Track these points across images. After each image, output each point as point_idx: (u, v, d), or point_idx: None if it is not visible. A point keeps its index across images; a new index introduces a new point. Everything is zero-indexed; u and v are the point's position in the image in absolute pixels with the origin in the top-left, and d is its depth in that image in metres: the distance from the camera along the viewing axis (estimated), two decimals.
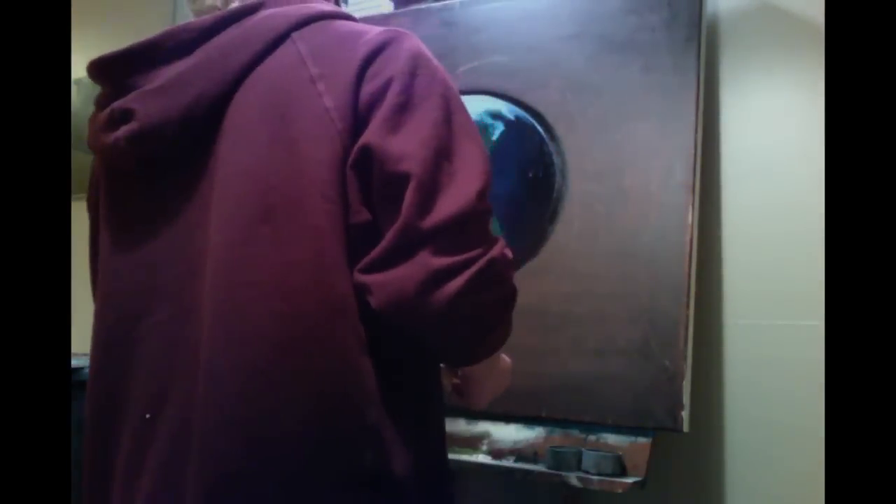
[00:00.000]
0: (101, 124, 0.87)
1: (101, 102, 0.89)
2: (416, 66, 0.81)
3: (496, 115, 1.49)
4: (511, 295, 0.81)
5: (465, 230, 0.75)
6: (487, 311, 0.79)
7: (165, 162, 0.85)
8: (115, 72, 0.87)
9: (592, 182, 1.40)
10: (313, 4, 0.89)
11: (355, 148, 0.78)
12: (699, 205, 1.35)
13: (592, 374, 1.32)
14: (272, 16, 0.85)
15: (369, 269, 0.76)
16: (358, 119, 0.79)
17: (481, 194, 0.77)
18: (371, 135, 0.77)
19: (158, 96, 0.82)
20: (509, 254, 0.80)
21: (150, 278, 0.85)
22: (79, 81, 2.55)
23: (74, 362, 1.60)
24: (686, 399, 1.25)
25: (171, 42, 0.85)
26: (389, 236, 0.75)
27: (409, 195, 0.74)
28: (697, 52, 1.36)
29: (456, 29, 1.59)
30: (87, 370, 1.57)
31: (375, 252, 0.76)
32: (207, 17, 0.86)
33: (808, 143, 1.38)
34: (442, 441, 0.89)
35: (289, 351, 0.76)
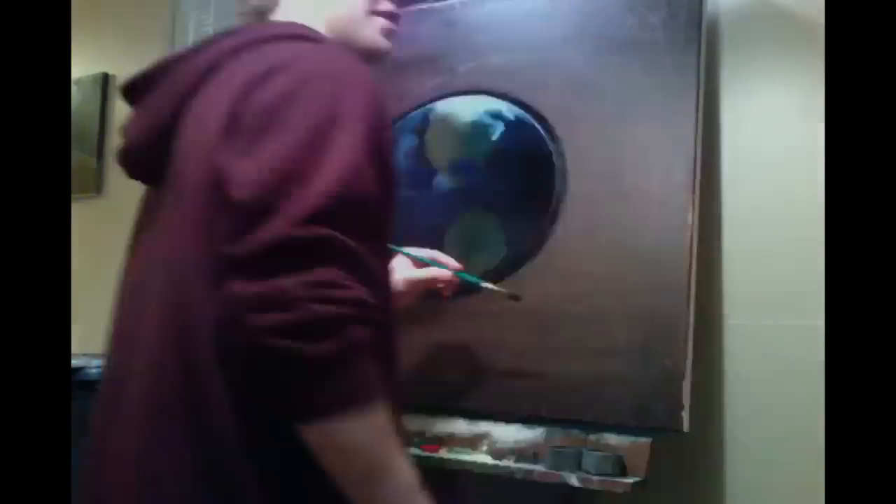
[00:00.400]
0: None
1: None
2: (301, 85, 0.79)
3: (496, 115, 1.49)
4: (316, 337, 0.69)
5: (274, 258, 0.70)
6: (287, 352, 0.69)
7: (144, 179, 0.96)
8: (127, 94, 0.96)
9: (592, 182, 1.40)
10: (274, 26, 0.94)
11: (213, 170, 0.79)
12: (699, 205, 1.34)
13: (592, 374, 1.32)
14: (220, 44, 0.90)
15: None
16: (230, 138, 0.80)
17: (304, 221, 0.70)
18: (224, 159, 0.78)
19: (134, 121, 0.94)
20: (336, 289, 0.70)
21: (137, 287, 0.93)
22: (79, 81, 2.55)
23: (74, 362, 1.60)
24: (686, 399, 1.25)
25: (158, 69, 0.93)
26: (221, 256, 0.74)
27: (227, 220, 0.74)
28: (697, 52, 1.36)
29: (456, 29, 1.59)
30: (87, 370, 1.57)
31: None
32: (188, 48, 0.93)
33: (809, 142, 1.38)
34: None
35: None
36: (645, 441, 1.26)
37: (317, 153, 0.74)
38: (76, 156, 2.50)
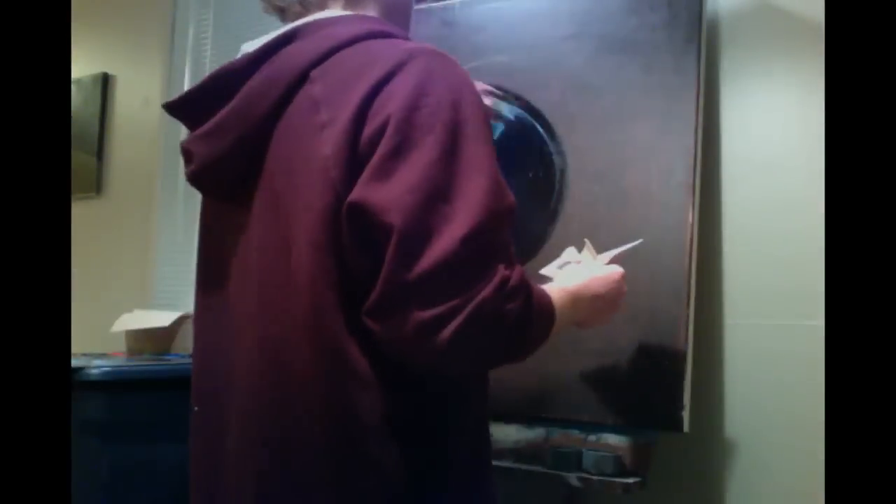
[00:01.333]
0: (182, 154, 0.95)
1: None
2: (420, 95, 0.77)
3: (496, 115, 1.49)
4: (514, 322, 0.76)
5: (449, 278, 0.73)
6: (492, 346, 0.77)
7: (222, 195, 0.93)
8: (182, 114, 0.94)
9: (592, 182, 1.40)
10: (347, 26, 0.86)
11: (346, 203, 0.76)
12: (699, 205, 1.34)
13: (592, 374, 1.32)
14: (295, 53, 0.85)
15: (367, 314, 0.77)
16: (356, 164, 0.77)
17: (468, 238, 0.73)
18: (358, 190, 0.76)
19: (205, 141, 0.89)
20: (510, 283, 0.76)
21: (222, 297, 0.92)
22: (79, 81, 2.55)
23: (74, 362, 1.61)
24: (686, 399, 1.25)
25: (214, 86, 0.89)
26: (377, 289, 0.74)
27: (391, 249, 0.73)
28: (697, 52, 1.36)
29: (456, 29, 1.59)
30: (87, 370, 1.56)
31: (369, 302, 0.76)
32: (242, 59, 0.88)
33: (808, 142, 1.38)
34: (473, 469, 0.86)
35: (283, 392, 0.82)
36: (644, 441, 1.26)
37: (454, 167, 0.75)
38: (76, 156, 2.50)
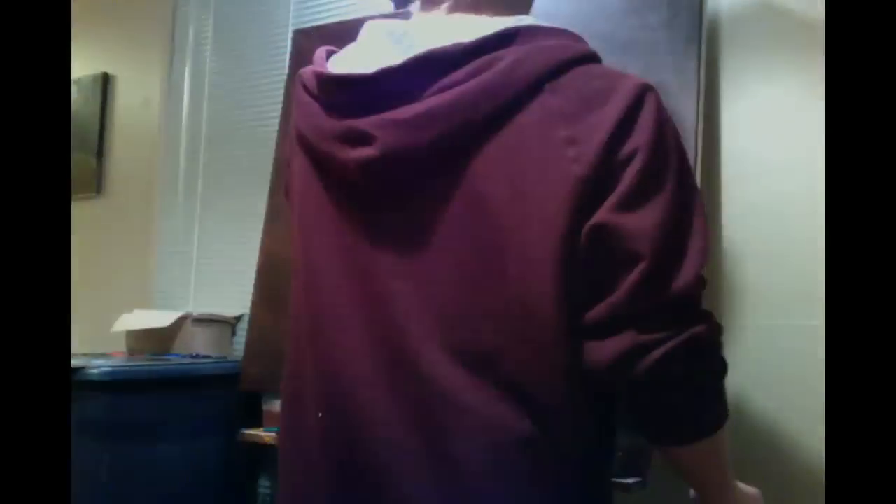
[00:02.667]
0: (334, 133, 0.86)
1: (329, 102, 0.88)
2: (660, 135, 0.80)
3: None
4: (713, 370, 0.82)
5: (677, 311, 0.78)
6: (685, 383, 0.80)
7: (395, 188, 0.85)
8: (365, 91, 0.86)
9: None
10: (565, 43, 0.87)
11: (590, 224, 0.78)
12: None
13: None
14: (524, 60, 0.82)
15: (592, 327, 0.79)
16: (601, 186, 0.79)
17: (700, 277, 0.79)
18: (608, 213, 0.77)
19: (405, 128, 0.82)
20: (717, 332, 0.81)
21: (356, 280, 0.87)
22: (79, 81, 2.56)
23: (74, 362, 1.61)
24: None
25: (416, 67, 0.83)
26: (603, 310, 0.78)
27: (634, 276, 0.76)
28: (698, 52, 1.36)
29: None
30: (87, 370, 1.57)
31: (589, 319, 0.79)
32: (455, 48, 0.83)
33: (809, 142, 1.38)
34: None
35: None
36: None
37: (688, 210, 0.81)
38: (76, 156, 2.50)
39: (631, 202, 0.78)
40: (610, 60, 1.44)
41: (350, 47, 0.93)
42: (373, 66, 0.85)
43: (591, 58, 0.88)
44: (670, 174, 0.80)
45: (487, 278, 0.81)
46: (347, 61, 0.90)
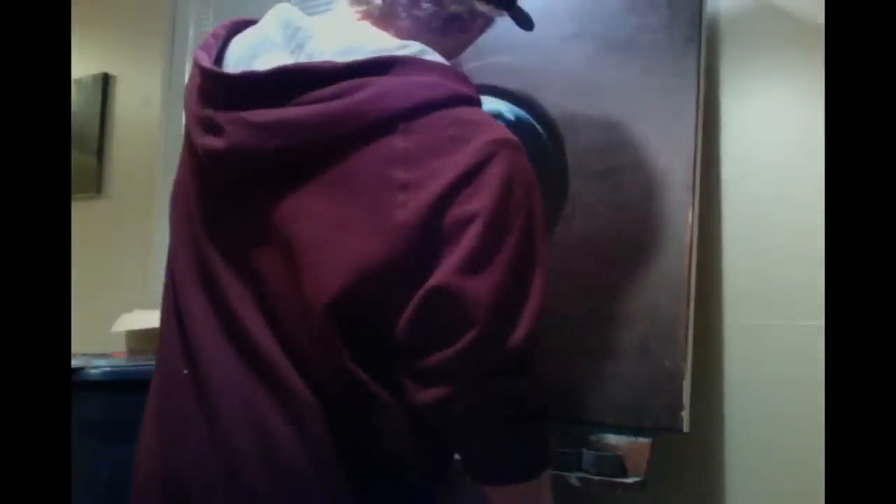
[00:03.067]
0: (198, 118, 0.90)
1: (200, 89, 0.91)
2: (504, 196, 0.80)
3: (496, 116, 1.49)
4: (526, 421, 0.83)
5: (498, 367, 0.80)
6: (495, 430, 0.83)
7: (238, 183, 0.89)
8: (230, 88, 0.88)
9: (592, 182, 1.40)
10: (438, 81, 0.85)
11: (431, 285, 0.79)
12: (699, 205, 1.34)
13: (592, 374, 1.32)
14: (386, 95, 0.82)
15: (415, 375, 0.82)
16: (427, 239, 0.79)
17: (529, 339, 0.81)
18: (449, 276, 0.78)
19: (255, 130, 0.84)
20: (535, 385, 0.83)
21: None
22: (79, 81, 2.55)
23: (74, 362, 1.60)
24: (686, 399, 1.25)
25: (285, 82, 0.84)
26: (433, 362, 0.80)
27: (465, 342, 0.78)
28: (698, 52, 1.36)
29: None
30: (87, 370, 1.56)
31: (417, 365, 0.81)
32: (329, 66, 0.84)
33: (809, 142, 1.38)
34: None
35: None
36: (645, 441, 1.26)
37: (528, 273, 0.82)
38: (76, 156, 2.50)
39: (471, 266, 0.79)
40: (610, 60, 1.44)
41: (251, 29, 0.94)
42: (259, 55, 0.88)
43: (464, 100, 0.86)
44: (513, 236, 0.80)
45: (292, 289, 0.84)
46: (241, 45, 0.92)
